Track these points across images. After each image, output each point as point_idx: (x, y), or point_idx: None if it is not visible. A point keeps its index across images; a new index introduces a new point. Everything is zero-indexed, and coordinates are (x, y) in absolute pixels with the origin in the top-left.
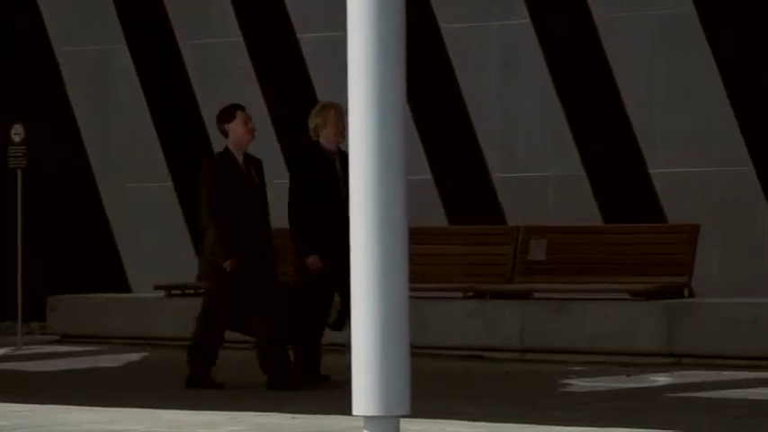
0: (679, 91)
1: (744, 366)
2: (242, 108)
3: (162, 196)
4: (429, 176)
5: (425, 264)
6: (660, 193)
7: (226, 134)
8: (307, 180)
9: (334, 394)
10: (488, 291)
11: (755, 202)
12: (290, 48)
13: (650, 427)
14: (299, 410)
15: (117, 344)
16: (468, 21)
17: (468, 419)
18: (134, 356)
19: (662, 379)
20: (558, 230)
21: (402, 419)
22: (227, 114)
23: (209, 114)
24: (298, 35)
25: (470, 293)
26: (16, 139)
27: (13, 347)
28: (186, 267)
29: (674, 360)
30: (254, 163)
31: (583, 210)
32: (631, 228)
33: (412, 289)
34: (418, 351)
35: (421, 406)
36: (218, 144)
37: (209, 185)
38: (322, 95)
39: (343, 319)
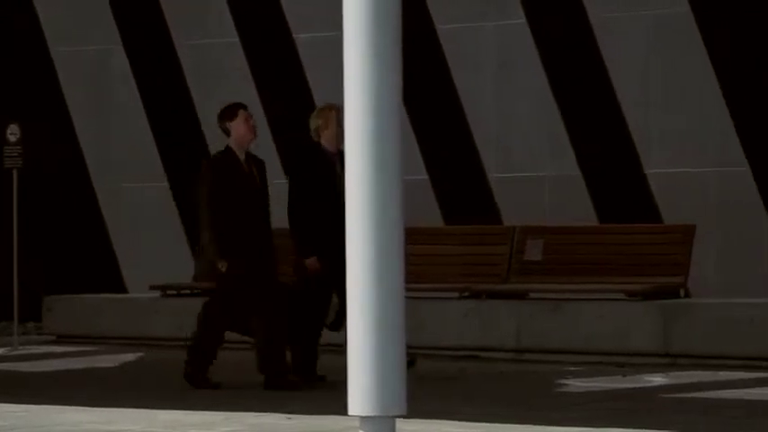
0: (675, 91)
1: (740, 367)
2: (244, 107)
3: (158, 196)
4: (425, 177)
5: (421, 264)
6: (656, 194)
7: (227, 133)
8: (307, 181)
9: (330, 394)
10: (484, 291)
11: (751, 202)
12: (287, 48)
13: (646, 428)
14: (294, 411)
15: (113, 344)
16: (464, 21)
17: (464, 420)
18: (130, 357)
19: (658, 379)
20: (554, 231)
21: (398, 420)
22: (229, 113)
23: (205, 115)
24: (294, 35)
25: (466, 293)
26: (12, 139)
27: (9, 348)
28: (182, 268)
29: (670, 360)
30: (257, 163)
31: (579, 210)
32: (627, 228)
33: (408, 289)
34: (414, 351)
35: (417, 406)
36: (213, 144)
37: (209, 185)
38: (318, 96)
39: (341, 320)
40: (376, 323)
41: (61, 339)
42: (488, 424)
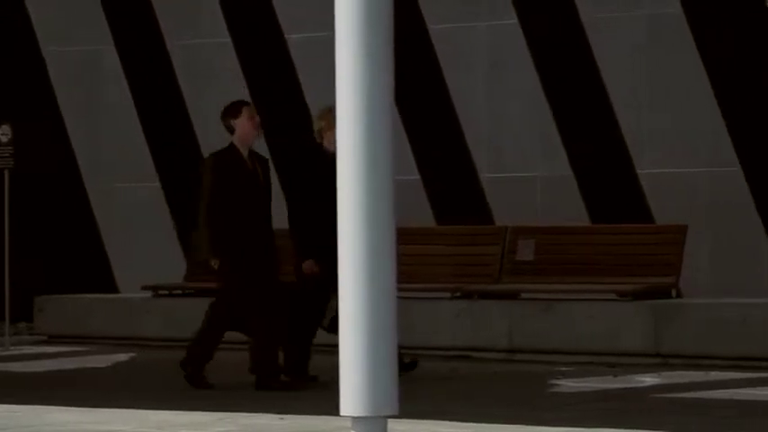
0: (666, 92)
1: (731, 367)
2: (248, 104)
3: (150, 196)
4: (417, 177)
5: (413, 264)
6: (648, 194)
7: (231, 130)
8: (308, 181)
9: (322, 395)
10: (476, 291)
11: (743, 202)
12: (278, 48)
13: (637, 428)
14: (286, 411)
15: (104, 344)
16: (456, 21)
17: (456, 420)
18: (121, 357)
19: (649, 379)
20: (545, 231)
21: (390, 420)
22: (233, 110)
23: (196, 115)
24: (286, 36)
25: (458, 294)
26: (3, 139)
27: (0, 348)
28: (174, 268)
29: (661, 360)
30: (261, 161)
31: (570, 210)
32: (619, 228)
33: (400, 289)
34: (405, 351)
35: (409, 406)
36: (205, 144)
37: (210, 183)
38: (310, 96)
39: (337, 323)
40: (368, 323)
41: (53, 339)
42: (480, 424)
